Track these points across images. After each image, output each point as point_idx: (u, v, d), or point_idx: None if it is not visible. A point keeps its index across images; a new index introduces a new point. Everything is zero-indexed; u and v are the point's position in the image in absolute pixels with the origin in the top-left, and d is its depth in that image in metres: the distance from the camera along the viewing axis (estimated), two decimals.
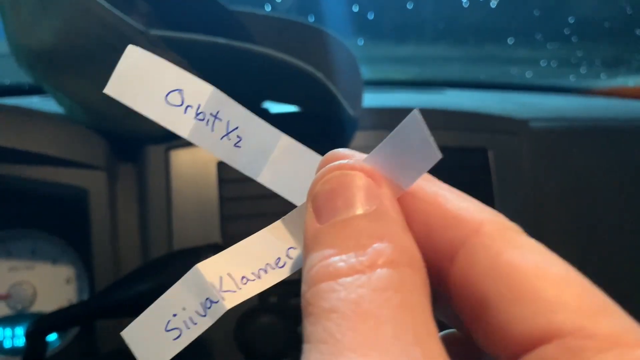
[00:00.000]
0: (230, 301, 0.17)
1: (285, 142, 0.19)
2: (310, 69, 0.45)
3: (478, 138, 0.60)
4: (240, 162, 0.19)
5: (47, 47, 0.43)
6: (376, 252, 0.14)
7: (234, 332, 0.48)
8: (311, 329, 0.13)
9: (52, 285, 0.53)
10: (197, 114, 0.18)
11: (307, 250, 0.16)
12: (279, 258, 0.18)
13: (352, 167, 0.16)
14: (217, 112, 0.19)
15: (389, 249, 0.14)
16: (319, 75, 0.45)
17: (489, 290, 0.14)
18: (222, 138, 0.19)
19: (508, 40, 0.96)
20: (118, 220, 0.51)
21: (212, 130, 0.19)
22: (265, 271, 0.18)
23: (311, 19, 0.61)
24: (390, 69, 1.02)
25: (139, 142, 0.52)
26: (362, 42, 0.87)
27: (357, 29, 0.87)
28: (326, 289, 0.14)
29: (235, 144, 0.19)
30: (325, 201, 0.16)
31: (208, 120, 0.19)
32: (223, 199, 0.51)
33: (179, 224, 0.50)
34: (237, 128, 0.19)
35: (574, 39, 0.97)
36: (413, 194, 0.16)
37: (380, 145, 0.16)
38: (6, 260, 0.53)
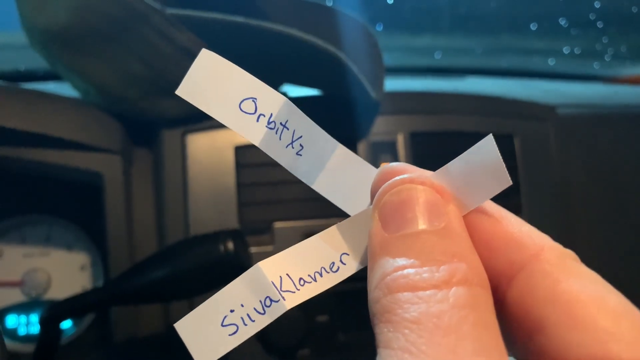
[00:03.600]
0: (290, 301, 0.18)
1: (341, 152, 0.20)
2: (331, 47, 0.43)
3: (504, 124, 0.58)
4: (300, 170, 0.20)
5: (61, 27, 0.42)
6: (451, 269, 0.14)
7: None
8: (389, 335, 0.14)
9: (66, 272, 0.53)
10: (269, 123, 0.19)
11: (375, 256, 0.16)
12: (333, 262, 0.19)
13: (422, 182, 0.17)
14: (286, 122, 0.19)
15: (462, 268, 0.15)
16: (340, 54, 0.44)
17: (546, 315, 0.15)
18: (287, 146, 0.19)
19: (531, 26, 0.93)
20: (133, 206, 0.50)
21: (280, 139, 0.19)
22: (321, 275, 0.18)
23: (329, 3, 0.59)
24: (409, 57, 1.00)
25: (154, 125, 0.50)
26: (381, 27, 0.85)
27: (376, 14, 0.85)
28: (404, 300, 0.14)
29: (297, 152, 0.19)
30: (393, 212, 0.16)
31: (277, 129, 0.19)
32: (240, 184, 0.50)
33: (195, 209, 0.49)
34: (300, 137, 0.19)
35: (599, 24, 0.94)
36: (477, 213, 0.17)
37: (450, 163, 0.17)
38: (21, 247, 0.52)
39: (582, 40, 0.99)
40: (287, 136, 0.19)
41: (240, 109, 0.19)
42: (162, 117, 0.49)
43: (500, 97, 0.61)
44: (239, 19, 0.43)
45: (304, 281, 0.18)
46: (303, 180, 0.20)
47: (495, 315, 0.15)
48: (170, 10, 0.43)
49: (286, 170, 0.56)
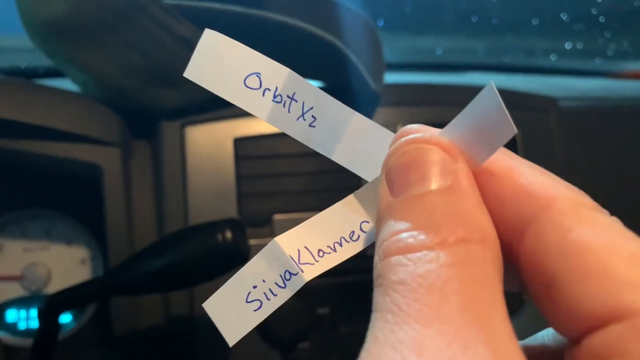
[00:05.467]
0: (309, 273, 0.18)
1: (358, 120, 0.19)
2: (330, 37, 0.43)
3: None
4: (315, 142, 0.19)
5: (59, 18, 0.42)
6: (448, 227, 0.14)
7: None
8: (379, 299, 0.14)
9: (66, 266, 0.52)
10: (275, 97, 0.19)
11: (379, 222, 0.16)
12: (352, 231, 0.18)
13: (427, 141, 0.16)
14: (294, 94, 0.19)
15: (460, 227, 0.14)
16: (340, 44, 0.43)
17: (557, 267, 0.14)
18: (297, 119, 0.19)
19: (533, 21, 0.93)
20: (133, 199, 0.50)
21: (289, 111, 0.19)
22: (341, 244, 0.18)
23: None
24: (411, 56, 0.99)
25: (153, 117, 0.50)
26: (382, 23, 0.85)
27: (378, 10, 0.85)
28: (395, 263, 0.14)
29: (310, 124, 0.19)
30: (399, 174, 0.16)
31: (285, 102, 0.19)
32: (240, 176, 0.50)
33: (195, 202, 0.49)
34: (312, 108, 0.19)
35: (601, 19, 0.93)
36: (487, 167, 0.16)
37: (455, 119, 0.16)
38: (21, 241, 0.52)
39: (584, 35, 0.99)
40: (296, 108, 0.19)
41: (245, 85, 0.19)
42: (161, 109, 0.49)
43: (502, 89, 0.61)
44: (237, 8, 0.43)
45: (323, 252, 0.18)
46: (320, 151, 0.19)
47: (499, 272, 0.14)
48: (169, 0, 0.42)
49: (286, 163, 0.56)
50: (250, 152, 0.51)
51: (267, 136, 0.51)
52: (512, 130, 0.15)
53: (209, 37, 0.19)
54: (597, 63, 1.03)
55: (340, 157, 0.19)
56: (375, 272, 0.15)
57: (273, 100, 0.19)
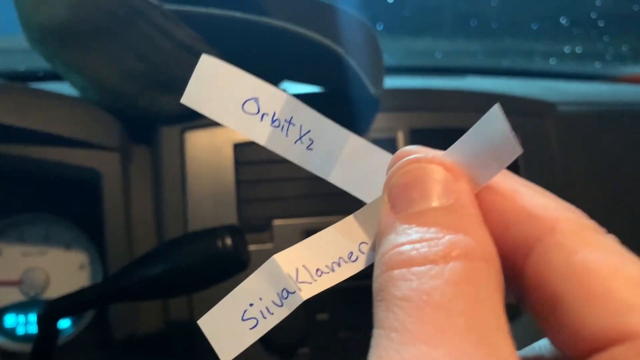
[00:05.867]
0: (307, 292, 0.18)
1: (355, 142, 0.19)
2: (329, 42, 0.43)
3: None
4: (313, 165, 0.19)
5: (58, 23, 0.42)
6: (451, 243, 0.14)
7: None
8: (382, 315, 0.14)
9: (65, 271, 0.52)
10: (273, 121, 0.19)
11: (380, 237, 0.16)
12: (351, 252, 0.18)
13: (430, 161, 0.16)
14: (291, 118, 0.19)
15: (463, 241, 0.14)
16: (339, 49, 0.43)
17: (562, 288, 0.14)
18: (295, 142, 0.19)
19: (532, 25, 0.93)
20: (132, 204, 0.49)
21: (287, 135, 0.19)
22: (339, 265, 0.18)
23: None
24: (410, 59, 0.99)
25: (153, 123, 0.50)
26: (382, 27, 0.85)
27: (376, 13, 0.85)
28: (398, 277, 0.14)
29: (307, 147, 0.19)
30: (401, 192, 0.16)
31: (283, 127, 0.19)
32: (239, 181, 0.50)
33: (195, 207, 0.49)
34: (309, 131, 0.19)
35: (600, 23, 0.93)
36: (490, 189, 0.16)
37: (459, 140, 0.16)
38: (20, 245, 0.52)
39: (583, 39, 0.99)
40: (294, 132, 0.19)
41: (243, 110, 0.19)
42: (161, 114, 0.49)
43: (500, 94, 0.61)
44: (237, 14, 0.43)
45: (321, 272, 0.18)
46: (317, 174, 0.20)
47: (501, 291, 0.14)
48: (169, 6, 0.42)
49: (285, 168, 0.56)
50: (250, 158, 0.51)
51: None
52: (517, 150, 0.15)
53: (206, 63, 0.19)
54: (596, 67, 1.03)
55: (337, 179, 0.20)
56: (377, 285, 0.14)
57: (271, 125, 0.19)
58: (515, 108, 0.59)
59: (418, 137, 0.54)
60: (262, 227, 0.50)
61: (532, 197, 0.16)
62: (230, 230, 0.39)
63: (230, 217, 0.49)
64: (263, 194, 0.51)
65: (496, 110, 0.15)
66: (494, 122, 0.15)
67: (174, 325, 0.47)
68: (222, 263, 0.37)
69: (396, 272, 0.14)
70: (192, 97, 0.19)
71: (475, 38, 0.99)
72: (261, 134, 0.19)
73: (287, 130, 0.19)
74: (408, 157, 0.16)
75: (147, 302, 0.47)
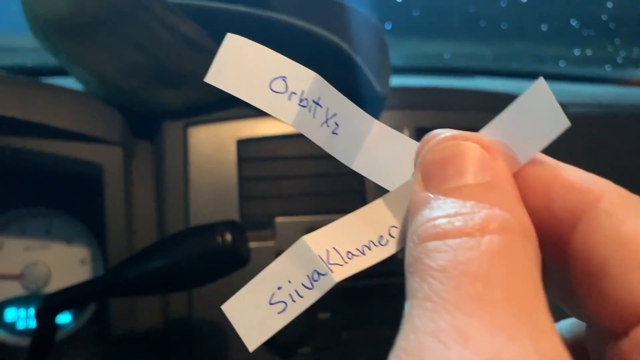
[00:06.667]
0: (339, 274, 0.17)
1: (380, 129, 0.19)
2: (335, 38, 0.42)
3: None
4: (337, 149, 0.19)
5: (62, 15, 0.42)
6: (488, 216, 0.14)
7: None
8: (416, 285, 0.13)
9: (66, 265, 0.52)
10: (301, 101, 0.18)
11: (412, 214, 0.15)
12: (381, 236, 0.18)
13: (467, 138, 0.16)
14: (319, 99, 0.18)
15: (501, 216, 0.14)
16: (345, 45, 0.43)
17: (609, 257, 0.14)
18: (321, 125, 0.19)
19: (541, 27, 0.92)
20: (133, 199, 0.49)
21: (314, 117, 0.18)
22: (369, 248, 0.18)
23: None
24: (418, 60, 0.99)
25: (156, 117, 0.50)
26: (390, 26, 0.85)
27: (385, 13, 0.84)
28: (433, 249, 0.13)
29: (333, 130, 0.19)
30: (435, 169, 0.16)
31: (310, 107, 0.18)
32: (242, 178, 0.49)
33: (196, 203, 0.48)
34: (335, 115, 0.19)
35: (611, 25, 0.92)
36: (534, 164, 0.16)
37: (497, 117, 0.16)
38: (21, 239, 0.52)
39: (593, 42, 0.98)
40: (320, 114, 0.18)
41: (271, 89, 0.18)
42: (164, 108, 0.49)
43: (508, 94, 0.60)
44: (242, 8, 0.42)
45: (352, 254, 0.18)
46: (340, 159, 0.19)
47: (539, 267, 0.14)
48: (173, 0, 0.42)
49: (288, 165, 0.55)
50: (253, 154, 0.50)
51: (270, 138, 0.51)
52: (565, 122, 0.15)
53: (231, 41, 0.18)
54: (607, 70, 1.02)
55: (360, 166, 0.19)
56: (410, 258, 0.14)
57: (299, 105, 0.18)
58: None
59: (424, 135, 0.53)
60: (264, 224, 0.50)
61: (576, 171, 0.16)
62: (230, 225, 0.38)
63: (232, 213, 0.49)
64: (266, 191, 0.50)
65: (542, 83, 0.15)
66: (539, 96, 0.15)
67: (174, 321, 0.47)
68: (222, 258, 0.37)
69: (431, 244, 0.14)
70: (217, 76, 0.18)
71: (484, 40, 0.98)
72: (289, 114, 0.18)
73: (315, 111, 0.18)
74: (444, 135, 0.16)
75: (147, 297, 0.47)
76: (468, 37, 0.98)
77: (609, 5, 0.91)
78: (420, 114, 0.54)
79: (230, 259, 0.37)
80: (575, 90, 0.81)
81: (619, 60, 0.99)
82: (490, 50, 0.99)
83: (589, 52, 0.97)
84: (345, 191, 0.51)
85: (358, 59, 0.44)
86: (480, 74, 0.90)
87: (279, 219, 0.50)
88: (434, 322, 0.12)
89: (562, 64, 0.99)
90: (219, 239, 0.37)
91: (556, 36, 0.97)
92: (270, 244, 0.49)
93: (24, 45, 0.76)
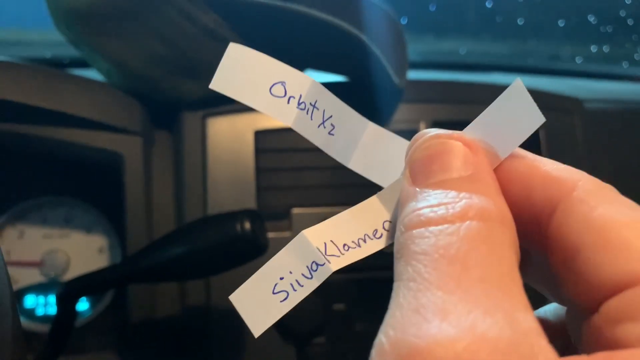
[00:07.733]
0: (335, 264, 0.18)
1: (374, 130, 0.20)
2: (355, 30, 0.42)
3: None
4: (334, 149, 0.20)
5: (84, 6, 0.42)
6: (467, 205, 0.15)
7: None
8: (402, 269, 0.15)
9: (85, 254, 0.53)
10: (299, 104, 0.20)
11: (401, 207, 0.17)
12: (375, 230, 0.19)
13: (450, 137, 0.17)
14: (315, 102, 0.20)
15: (479, 203, 0.15)
16: (364, 37, 0.43)
17: (582, 239, 0.15)
18: (319, 126, 0.20)
19: (559, 23, 0.91)
20: (153, 188, 0.50)
21: (311, 119, 0.20)
22: (364, 241, 0.19)
23: None
24: (434, 57, 0.98)
25: (175, 108, 0.50)
26: (406, 21, 0.84)
27: (401, 8, 0.84)
28: (416, 235, 0.15)
29: (329, 132, 0.20)
30: (422, 166, 0.17)
31: (308, 110, 0.20)
32: (259, 168, 0.50)
33: (214, 193, 0.49)
34: (331, 117, 0.20)
35: (629, 22, 0.91)
36: (514, 158, 0.17)
37: (479, 116, 0.18)
38: (41, 227, 0.53)
39: (611, 38, 0.97)
40: (317, 116, 0.20)
41: (271, 94, 0.20)
42: (184, 99, 0.49)
43: (527, 88, 0.60)
44: (263, 0, 0.42)
45: (348, 247, 0.19)
46: (337, 159, 0.20)
47: (516, 254, 0.15)
48: None
49: (305, 157, 0.56)
50: (270, 145, 0.50)
51: (288, 129, 0.50)
52: (540, 118, 0.16)
53: (234, 50, 0.19)
54: (624, 67, 1.01)
55: (356, 165, 0.20)
56: (397, 245, 0.16)
57: (297, 108, 0.20)
58: (541, 103, 0.57)
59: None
60: (281, 215, 0.50)
61: (554, 164, 0.17)
62: (249, 214, 0.38)
63: (249, 203, 0.49)
64: (283, 182, 0.50)
65: (518, 83, 0.16)
66: (516, 95, 0.16)
67: (191, 309, 0.47)
68: (241, 246, 0.37)
69: (415, 231, 0.15)
70: (221, 82, 0.19)
71: (501, 36, 0.97)
72: (288, 116, 0.20)
73: (312, 113, 0.20)
74: (429, 134, 0.18)
75: (165, 284, 0.47)
76: (484, 33, 0.98)
77: (628, 1, 0.90)
78: (437, 107, 0.54)
79: (249, 247, 0.37)
80: (592, 86, 0.81)
81: (637, 57, 0.98)
82: (506, 46, 0.98)
83: (606, 49, 0.96)
84: (361, 183, 0.51)
85: (377, 51, 0.44)
86: (496, 70, 0.89)
87: (296, 210, 0.50)
88: (417, 300, 0.13)
89: (578, 60, 0.99)
90: (239, 227, 0.37)
91: (573, 32, 0.96)
92: (286, 234, 0.49)
93: (42, 39, 0.77)
